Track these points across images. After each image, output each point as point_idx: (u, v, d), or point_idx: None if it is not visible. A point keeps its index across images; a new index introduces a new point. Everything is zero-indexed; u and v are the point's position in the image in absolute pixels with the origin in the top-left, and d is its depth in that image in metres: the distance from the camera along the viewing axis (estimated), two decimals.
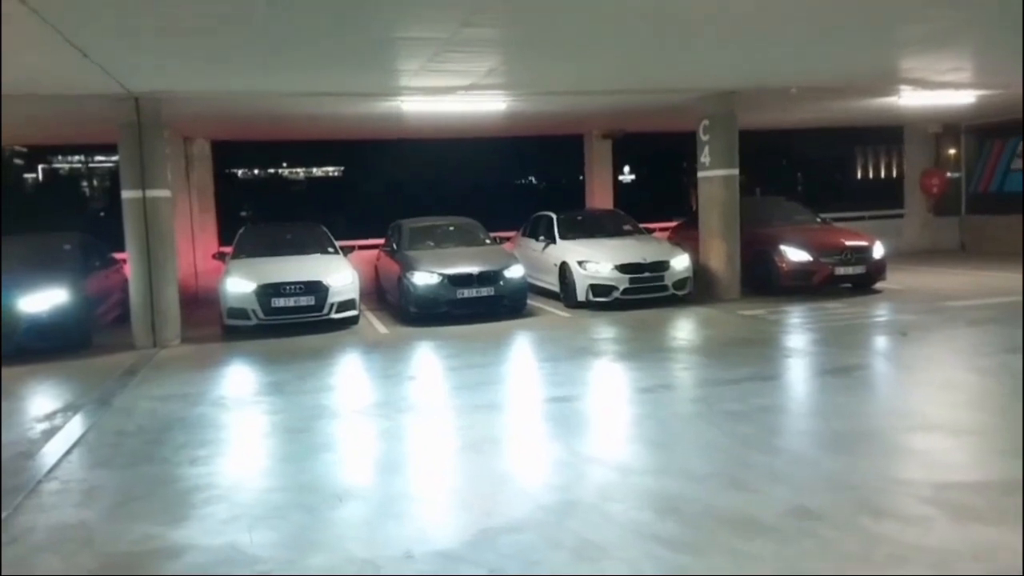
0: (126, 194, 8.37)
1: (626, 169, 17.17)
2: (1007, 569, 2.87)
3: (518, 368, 7.23)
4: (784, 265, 10.15)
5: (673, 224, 12.91)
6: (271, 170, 17.98)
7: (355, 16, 5.52)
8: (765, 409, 5.14)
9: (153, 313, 8.39)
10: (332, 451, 4.74)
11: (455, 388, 6.35)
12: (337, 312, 8.81)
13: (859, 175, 16.49)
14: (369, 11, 5.44)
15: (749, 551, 3.09)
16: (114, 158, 8.83)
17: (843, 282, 10.23)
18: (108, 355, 7.91)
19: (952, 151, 15.93)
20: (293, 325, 8.72)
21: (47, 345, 7.70)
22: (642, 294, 9.55)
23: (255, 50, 6.53)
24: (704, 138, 10.28)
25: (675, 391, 5.94)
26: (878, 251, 10.34)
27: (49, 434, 5.18)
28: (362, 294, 9.44)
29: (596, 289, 9.57)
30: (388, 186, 16.37)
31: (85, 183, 16.60)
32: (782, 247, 10.22)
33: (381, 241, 11.46)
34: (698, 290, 10.08)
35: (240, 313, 8.61)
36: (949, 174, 15.83)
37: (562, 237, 10.60)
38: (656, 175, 17.92)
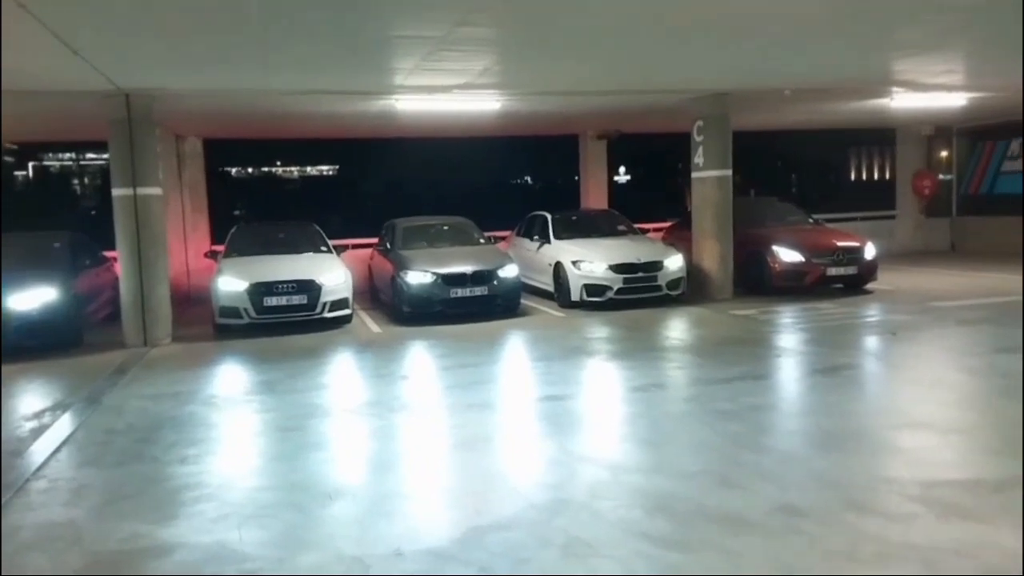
0: (116, 192, 8.34)
1: (622, 169, 17.17)
2: (1007, 569, 2.89)
3: (511, 367, 7.24)
4: (776, 265, 10.19)
5: (667, 224, 12.95)
6: (265, 169, 17.90)
7: (350, 14, 5.51)
8: (756, 408, 5.16)
9: (144, 312, 8.36)
10: (323, 450, 4.73)
11: (448, 387, 6.35)
12: (330, 311, 8.80)
13: (852, 176, 16.56)
14: (364, 9, 5.44)
15: (737, 548, 3.10)
16: (105, 156, 8.75)
17: (835, 282, 10.28)
18: (98, 354, 7.88)
19: (944, 153, 16.03)
20: (285, 324, 8.71)
21: (37, 343, 7.66)
22: (636, 294, 9.57)
23: (248, 47, 6.51)
24: (698, 139, 10.31)
25: (667, 390, 5.96)
26: (870, 252, 10.39)
27: (37, 432, 5.15)
28: (355, 293, 9.43)
29: (590, 289, 9.59)
30: (383, 185, 16.34)
31: (76, 181, 16.50)
32: (775, 248, 10.26)
33: (375, 240, 11.45)
34: (691, 290, 10.11)
35: (232, 312, 8.59)
36: (941, 176, 15.93)
37: (557, 237, 10.61)
38: (651, 176, 17.92)
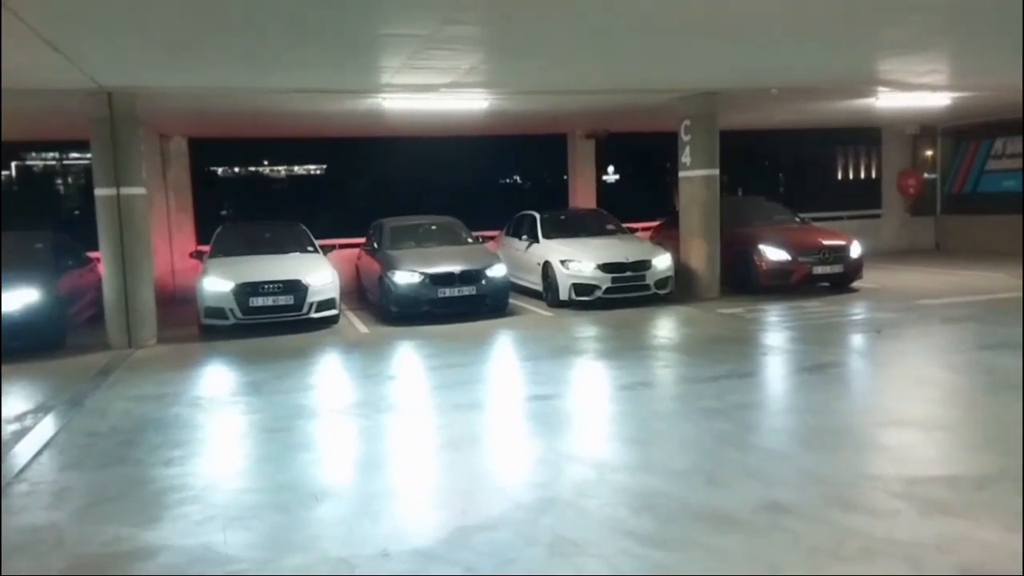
0: (99, 192, 8.25)
1: (610, 169, 17.20)
2: (988, 564, 2.91)
3: (499, 367, 7.23)
4: (763, 264, 10.24)
5: (655, 224, 12.99)
6: (252, 168, 17.76)
7: (335, 12, 5.47)
8: (742, 406, 5.18)
9: (128, 313, 8.28)
10: (310, 451, 4.71)
11: (435, 387, 6.33)
12: (316, 311, 8.76)
13: (839, 176, 16.68)
14: (349, 7, 5.40)
15: (721, 546, 3.11)
16: (89, 155, 8.66)
17: (821, 281, 10.35)
18: (82, 355, 7.80)
19: (928, 152, 16.18)
20: (272, 325, 8.65)
21: (19, 345, 7.57)
22: (624, 293, 9.59)
23: (232, 45, 6.46)
24: (685, 138, 10.34)
25: (654, 388, 5.97)
26: (855, 250, 10.47)
27: (19, 435, 5.09)
28: (343, 293, 9.39)
29: (579, 288, 9.60)
30: (371, 185, 16.25)
31: (60, 180, 16.31)
32: (761, 246, 10.32)
33: (363, 240, 11.40)
34: (678, 289, 10.14)
35: (218, 312, 8.53)
36: (925, 175, 16.07)
37: (545, 236, 10.61)
38: (640, 175, 17.95)
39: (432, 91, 8.81)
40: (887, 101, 10.95)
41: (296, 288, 8.65)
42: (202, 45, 6.36)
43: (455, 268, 9.14)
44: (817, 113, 12.72)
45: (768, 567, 2.95)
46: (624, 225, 11.35)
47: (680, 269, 10.31)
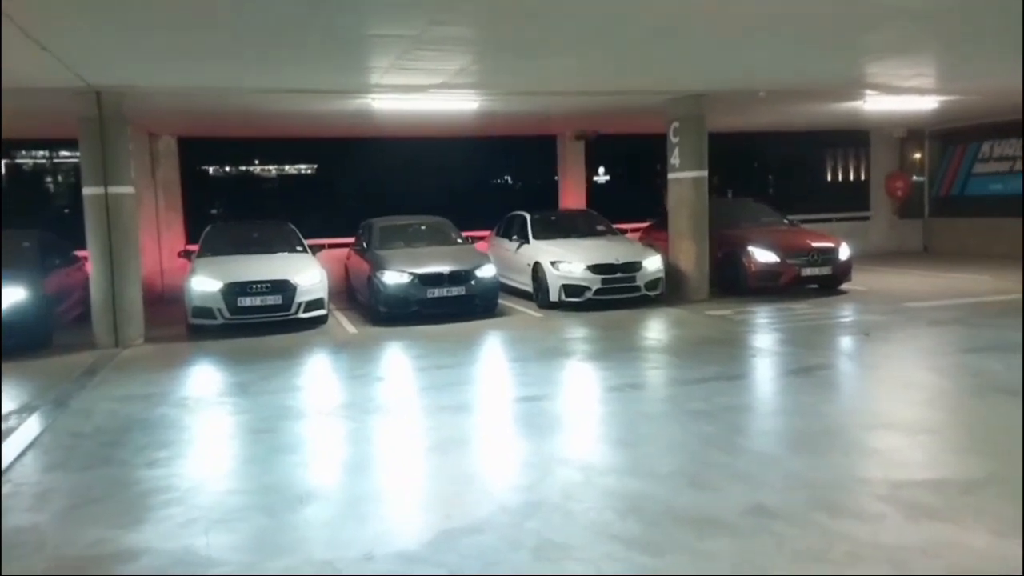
0: (87, 191, 8.19)
1: (601, 170, 17.24)
2: (974, 568, 2.93)
3: (488, 369, 7.22)
4: (752, 266, 10.28)
5: (644, 225, 13.02)
6: (242, 167, 17.68)
7: (323, 11, 5.45)
8: (730, 408, 5.19)
9: (115, 312, 8.22)
10: (296, 453, 4.68)
11: (423, 389, 6.31)
12: (305, 311, 8.72)
13: (827, 178, 16.79)
14: (337, 7, 5.38)
15: (707, 549, 3.12)
16: (79, 153, 8.59)
17: (809, 283, 10.39)
18: (68, 354, 7.73)
19: (916, 155, 16.30)
20: (260, 325, 8.61)
21: (5, 344, 7.48)
22: (614, 294, 9.59)
23: (221, 45, 6.42)
24: (674, 140, 10.36)
25: (642, 390, 5.98)
26: (844, 252, 10.52)
27: (3, 436, 5.03)
28: (332, 293, 9.35)
29: (569, 289, 9.60)
30: (362, 185, 16.21)
31: (50, 179, 16.18)
32: (750, 248, 10.35)
33: (352, 240, 11.36)
34: (667, 290, 10.16)
35: (205, 312, 8.48)
36: (913, 177, 16.19)
37: (536, 237, 10.61)
38: (630, 176, 18.01)
39: (422, 92, 8.79)
40: (874, 104, 11.02)
41: (284, 288, 8.62)
42: (190, 44, 6.31)
43: (444, 268, 9.12)
44: (805, 115, 12.78)
45: (754, 571, 2.95)
46: (614, 226, 11.37)
47: (669, 271, 10.33)
